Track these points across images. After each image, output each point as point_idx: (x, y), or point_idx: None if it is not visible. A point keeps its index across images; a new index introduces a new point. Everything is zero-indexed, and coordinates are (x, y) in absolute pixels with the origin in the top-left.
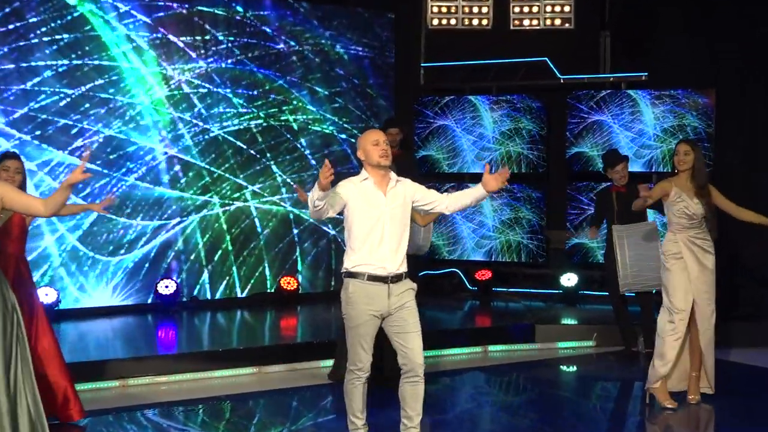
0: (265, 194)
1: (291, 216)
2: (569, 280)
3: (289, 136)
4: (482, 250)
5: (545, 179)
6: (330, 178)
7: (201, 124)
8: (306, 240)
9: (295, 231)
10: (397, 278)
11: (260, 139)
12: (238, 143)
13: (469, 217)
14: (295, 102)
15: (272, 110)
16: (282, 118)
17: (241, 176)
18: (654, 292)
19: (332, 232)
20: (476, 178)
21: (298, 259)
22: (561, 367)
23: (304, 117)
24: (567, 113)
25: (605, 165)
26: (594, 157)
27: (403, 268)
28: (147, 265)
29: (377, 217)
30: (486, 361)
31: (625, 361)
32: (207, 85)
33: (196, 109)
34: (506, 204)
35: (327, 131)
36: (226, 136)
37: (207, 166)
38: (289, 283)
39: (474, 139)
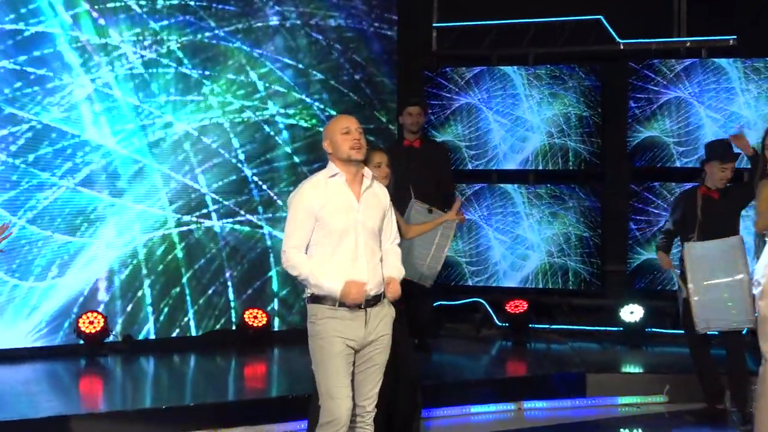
0: (239, 211)
1: (266, 236)
2: (632, 313)
3: (270, 132)
4: (517, 273)
5: (600, 180)
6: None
7: (159, 114)
8: (282, 272)
9: (271, 256)
10: (375, 301)
11: (237, 144)
12: (205, 141)
13: (502, 227)
14: (276, 85)
15: (253, 100)
16: (264, 111)
17: (207, 186)
18: (745, 332)
19: None
20: (509, 178)
21: (272, 286)
22: (621, 430)
23: (287, 105)
24: (628, 90)
25: (711, 157)
26: (667, 146)
27: (380, 289)
28: (64, 295)
29: (349, 225)
30: (521, 422)
31: (707, 423)
32: (171, 64)
33: (154, 96)
34: (549, 214)
35: (313, 123)
36: (192, 132)
37: (167, 171)
38: (256, 317)
39: (507, 124)
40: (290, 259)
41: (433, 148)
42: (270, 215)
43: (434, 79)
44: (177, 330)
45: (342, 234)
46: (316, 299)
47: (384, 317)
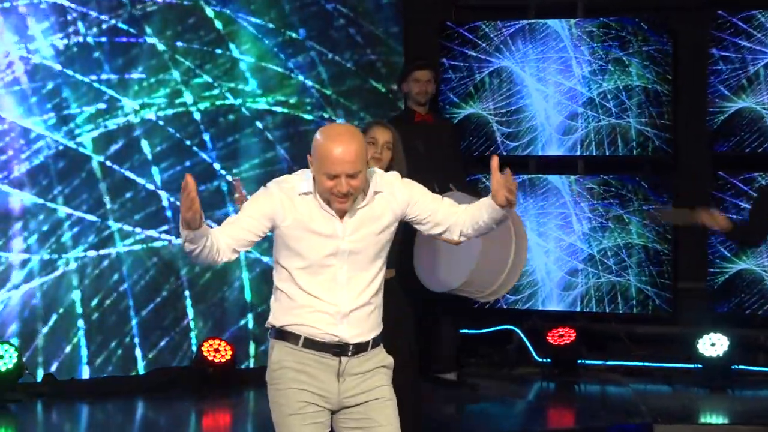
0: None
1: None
2: (713, 345)
3: (239, 118)
4: (563, 292)
5: (671, 170)
6: (195, 209)
7: (106, 94)
8: (256, 283)
9: (245, 272)
10: (357, 349)
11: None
12: (171, 130)
13: (543, 231)
14: (247, 59)
15: (223, 83)
16: (233, 91)
17: (163, 190)
18: None
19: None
20: (552, 167)
21: (248, 313)
22: None
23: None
24: (712, 49)
25: None
26: (764, 123)
27: (373, 334)
28: None
29: (328, 255)
30: None
31: None
32: (123, 28)
33: (100, 73)
34: (605, 213)
35: (293, 110)
36: (150, 119)
37: (114, 169)
38: (217, 351)
39: (552, 96)
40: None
41: (446, 124)
42: None
43: (456, 35)
44: (117, 367)
45: (318, 263)
46: (278, 333)
47: (373, 369)
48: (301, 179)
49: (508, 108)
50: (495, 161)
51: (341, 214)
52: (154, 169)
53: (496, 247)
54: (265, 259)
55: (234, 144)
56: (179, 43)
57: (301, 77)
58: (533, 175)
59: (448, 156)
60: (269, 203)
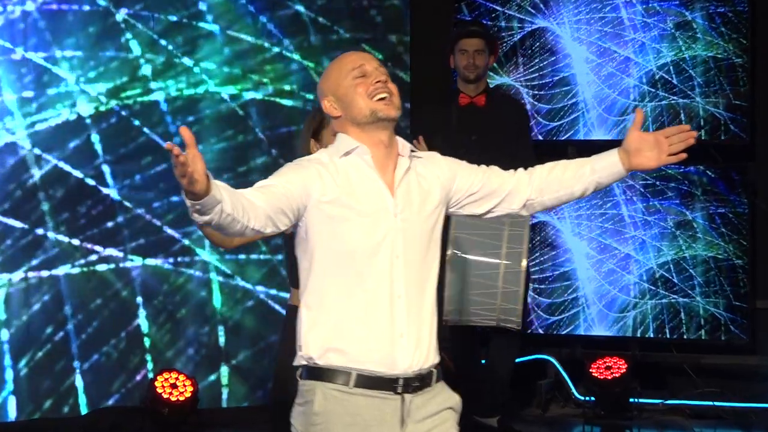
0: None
1: (210, 271)
2: None
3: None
4: (612, 313)
5: (748, 161)
6: (195, 171)
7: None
8: (227, 303)
9: (217, 294)
10: (421, 382)
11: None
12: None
13: (588, 236)
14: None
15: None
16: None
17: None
18: None
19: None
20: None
21: (217, 333)
22: None
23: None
24: None
25: None
26: None
27: (433, 359)
28: None
29: (378, 240)
30: None
31: None
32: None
33: (47, 52)
34: (662, 212)
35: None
36: (110, 108)
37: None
38: (174, 386)
39: (601, 67)
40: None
41: (508, 106)
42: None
43: None
44: (51, 406)
45: (366, 256)
46: (314, 373)
47: (441, 411)
48: (339, 143)
49: (545, 80)
50: (640, 114)
51: (389, 177)
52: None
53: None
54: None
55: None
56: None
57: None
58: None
59: (508, 150)
60: (303, 171)
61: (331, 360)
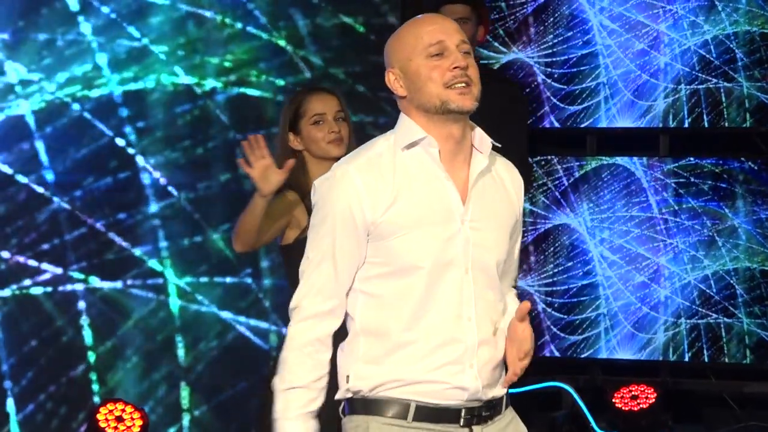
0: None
1: (175, 296)
2: None
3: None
4: (639, 334)
5: None
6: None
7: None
8: (195, 336)
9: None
10: (490, 410)
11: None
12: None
13: (618, 247)
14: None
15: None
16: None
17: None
18: None
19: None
20: (623, 144)
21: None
22: None
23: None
24: None
25: None
26: None
27: (503, 389)
28: None
29: (443, 253)
30: None
31: None
32: None
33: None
34: (699, 215)
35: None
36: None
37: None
38: (120, 419)
39: (628, 43)
40: (287, 347)
41: (502, 92)
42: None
43: None
44: None
45: (431, 272)
46: (364, 406)
47: None
48: (400, 130)
49: (562, 57)
50: (524, 307)
51: (463, 175)
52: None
53: None
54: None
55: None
56: None
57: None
58: (596, 158)
59: (497, 137)
60: (339, 202)
61: (388, 391)
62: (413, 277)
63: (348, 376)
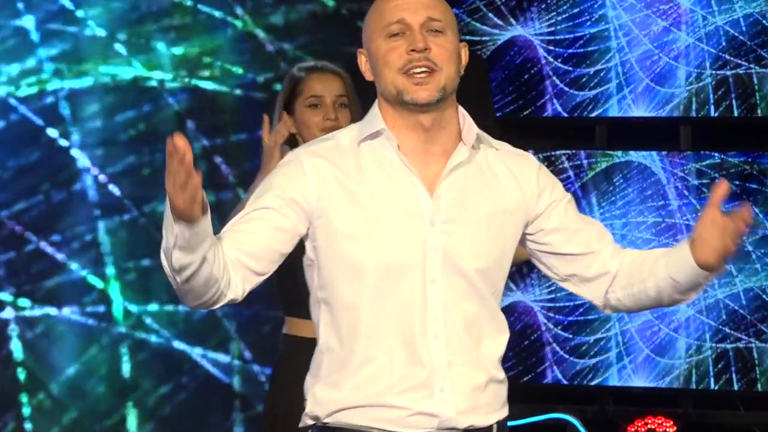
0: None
1: (131, 327)
2: None
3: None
4: (657, 358)
5: None
6: (195, 187)
7: None
8: (154, 375)
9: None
10: None
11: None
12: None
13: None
14: None
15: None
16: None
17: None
18: None
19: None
20: (639, 137)
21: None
22: None
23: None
24: None
25: None
26: None
27: (497, 415)
28: None
29: (406, 257)
30: None
31: None
32: None
33: None
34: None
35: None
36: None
37: None
38: None
39: (652, 22)
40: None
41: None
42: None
43: None
44: None
45: (385, 279)
46: None
47: None
48: (366, 120)
49: (570, 35)
50: (723, 187)
51: (432, 172)
52: None
53: None
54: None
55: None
56: None
57: None
58: (608, 154)
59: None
60: (280, 178)
61: (346, 417)
62: (365, 283)
63: (306, 402)
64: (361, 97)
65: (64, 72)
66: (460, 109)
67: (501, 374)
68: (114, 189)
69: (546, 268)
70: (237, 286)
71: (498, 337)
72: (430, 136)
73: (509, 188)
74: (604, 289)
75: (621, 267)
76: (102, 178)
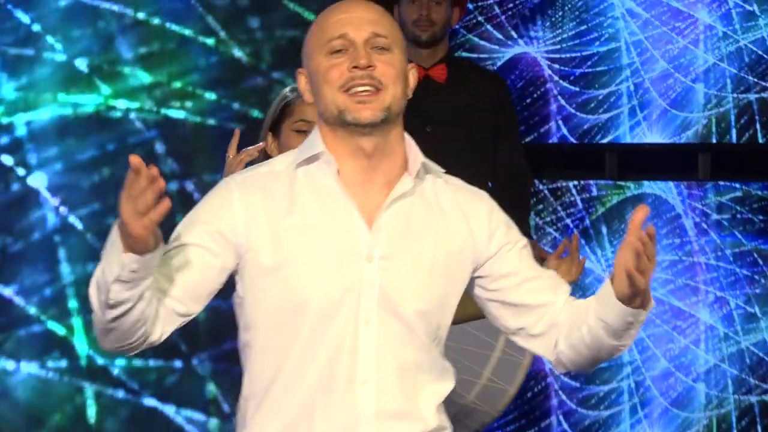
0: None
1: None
2: None
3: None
4: (677, 413)
5: None
6: (154, 219)
7: None
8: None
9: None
10: None
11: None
12: None
13: (655, 296)
14: None
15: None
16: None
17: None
18: None
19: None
20: (654, 167)
21: None
22: None
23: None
24: None
25: None
26: None
27: None
28: None
29: (337, 295)
30: None
31: None
32: None
33: None
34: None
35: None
36: None
37: None
38: None
39: (668, 40)
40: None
41: (479, 82)
42: None
43: None
44: None
45: (314, 319)
46: None
47: None
48: (305, 144)
49: (579, 54)
50: (642, 212)
51: (373, 203)
52: None
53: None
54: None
55: None
56: None
57: None
58: (619, 185)
59: (481, 150)
60: (224, 209)
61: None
62: (289, 325)
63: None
64: None
65: (21, 102)
66: (407, 136)
67: (439, 423)
68: (76, 222)
69: (494, 319)
70: (158, 328)
71: (438, 387)
72: (373, 164)
73: (457, 226)
74: (553, 343)
75: (566, 317)
76: (67, 217)
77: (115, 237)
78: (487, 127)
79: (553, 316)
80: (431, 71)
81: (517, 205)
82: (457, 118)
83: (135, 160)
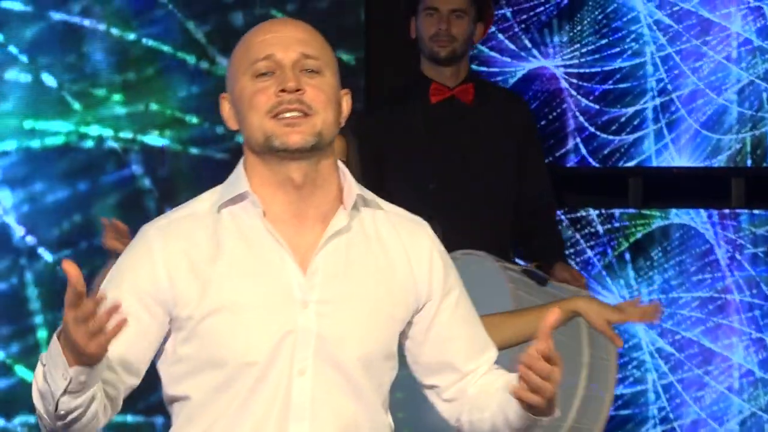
0: None
1: None
2: None
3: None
4: None
5: None
6: (104, 338)
7: None
8: None
9: None
10: None
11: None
12: None
13: (676, 336)
14: None
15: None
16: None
17: None
18: None
19: None
20: (681, 192)
21: None
22: None
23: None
24: None
25: None
26: None
27: None
28: None
29: (269, 345)
30: None
31: None
32: None
33: None
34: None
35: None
36: None
37: None
38: None
39: (698, 55)
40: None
41: (505, 104)
42: None
43: None
44: None
45: (245, 372)
46: None
47: None
48: (229, 182)
49: (601, 69)
50: (554, 316)
51: (306, 243)
52: None
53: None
54: None
55: None
56: None
57: None
58: (643, 214)
59: (508, 176)
60: (144, 265)
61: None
62: (213, 380)
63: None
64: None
65: None
66: (341, 165)
67: None
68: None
69: (409, 363)
70: (112, 409)
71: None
72: (303, 196)
73: (399, 260)
74: (458, 413)
75: (475, 392)
76: (46, 260)
77: (56, 351)
78: (514, 152)
79: (467, 386)
80: (457, 91)
81: (550, 232)
82: (486, 141)
83: (71, 270)
